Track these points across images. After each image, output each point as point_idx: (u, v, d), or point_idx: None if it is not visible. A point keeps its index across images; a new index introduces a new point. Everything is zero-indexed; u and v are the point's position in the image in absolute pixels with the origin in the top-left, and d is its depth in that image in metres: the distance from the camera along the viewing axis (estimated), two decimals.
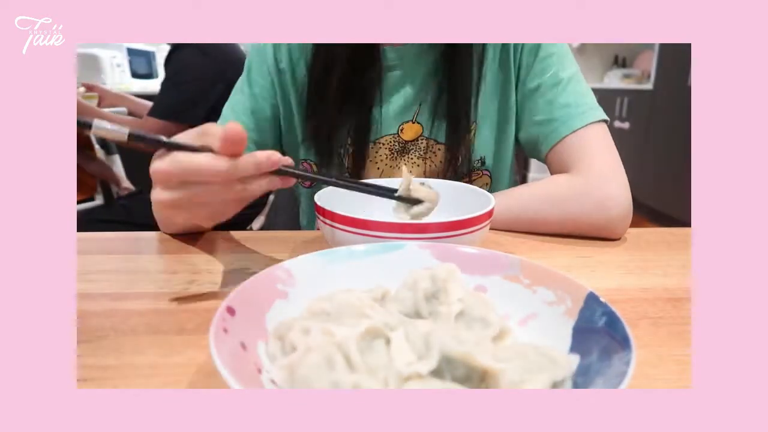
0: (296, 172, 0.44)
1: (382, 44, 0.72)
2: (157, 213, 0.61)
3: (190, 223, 0.61)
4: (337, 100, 0.72)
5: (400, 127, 0.77)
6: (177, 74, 1.55)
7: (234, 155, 0.40)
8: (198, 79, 1.51)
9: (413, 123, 0.77)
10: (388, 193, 0.52)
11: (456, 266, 0.38)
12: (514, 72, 0.74)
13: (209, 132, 0.41)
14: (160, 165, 0.41)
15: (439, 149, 0.77)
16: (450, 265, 0.38)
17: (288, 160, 0.44)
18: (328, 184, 0.50)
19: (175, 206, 0.42)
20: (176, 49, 1.57)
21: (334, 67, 0.71)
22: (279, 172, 0.43)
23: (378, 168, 0.78)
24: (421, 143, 0.77)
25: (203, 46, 1.52)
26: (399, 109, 0.76)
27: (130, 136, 0.40)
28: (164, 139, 0.41)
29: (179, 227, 0.64)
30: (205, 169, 0.39)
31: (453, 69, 0.72)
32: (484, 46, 0.73)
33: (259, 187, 0.42)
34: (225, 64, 1.53)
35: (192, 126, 0.45)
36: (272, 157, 0.41)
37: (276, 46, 0.76)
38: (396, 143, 0.77)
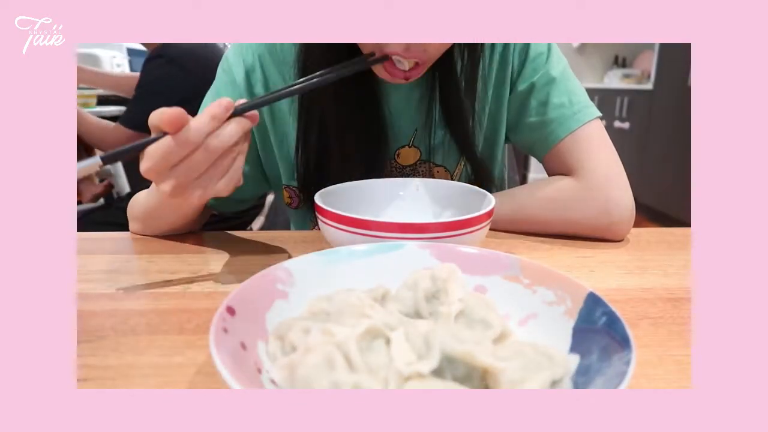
0: (253, 102, 0.46)
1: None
2: (167, 208, 0.62)
3: (204, 198, 0.53)
4: (332, 131, 0.68)
5: (396, 152, 0.73)
6: (149, 85, 1.51)
7: (182, 126, 0.42)
8: (169, 91, 1.46)
9: (410, 147, 0.73)
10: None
11: (456, 266, 0.38)
12: (509, 75, 0.72)
13: (155, 121, 0.43)
14: (144, 166, 0.44)
15: (438, 172, 0.74)
16: (450, 265, 0.38)
17: (242, 100, 0.46)
18: (289, 93, 0.50)
19: (183, 189, 0.44)
20: (151, 59, 1.52)
21: (329, 100, 0.66)
22: (237, 113, 0.45)
23: None
24: (420, 167, 0.74)
25: (180, 59, 1.47)
26: (394, 134, 0.72)
27: (103, 159, 0.43)
28: (128, 146, 0.44)
29: (184, 216, 0.64)
30: (174, 147, 0.42)
31: (447, 102, 0.69)
32: (476, 67, 0.69)
33: (231, 133, 0.44)
34: (202, 80, 1.50)
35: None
36: (222, 102, 0.44)
37: (250, 69, 0.69)
38: (393, 170, 0.74)
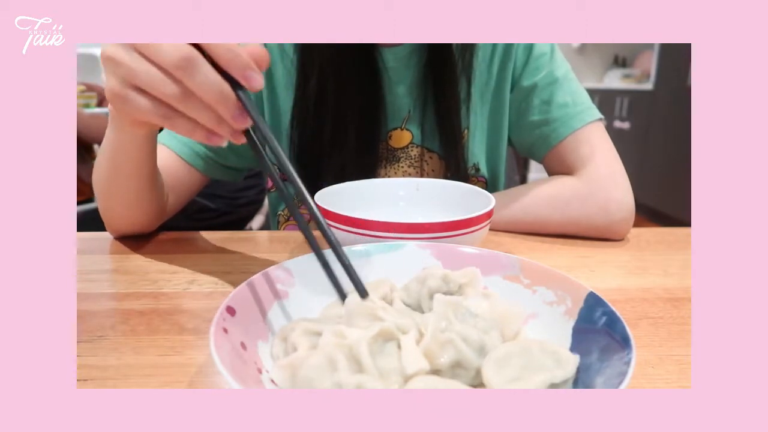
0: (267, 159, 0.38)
1: (378, 45, 0.69)
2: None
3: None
4: (328, 108, 0.67)
5: (388, 134, 0.73)
6: None
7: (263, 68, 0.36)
8: None
9: (402, 130, 0.73)
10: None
11: (479, 270, 0.38)
12: (511, 69, 0.72)
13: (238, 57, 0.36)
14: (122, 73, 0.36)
15: (431, 157, 0.74)
16: (473, 269, 0.38)
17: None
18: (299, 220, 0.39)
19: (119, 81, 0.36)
20: None
21: (327, 74, 0.66)
22: (248, 135, 0.37)
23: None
24: (412, 151, 0.74)
25: None
26: (388, 115, 0.72)
27: None
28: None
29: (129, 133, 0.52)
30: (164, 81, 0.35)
31: (440, 77, 0.69)
32: (473, 50, 0.70)
33: (205, 115, 0.36)
34: None
35: None
36: (254, 72, 0.35)
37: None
38: (384, 151, 0.73)
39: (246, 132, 0.38)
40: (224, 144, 0.38)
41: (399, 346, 0.30)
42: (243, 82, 0.35)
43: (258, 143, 0.39)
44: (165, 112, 0.36)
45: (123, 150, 0.54)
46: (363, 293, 0.34)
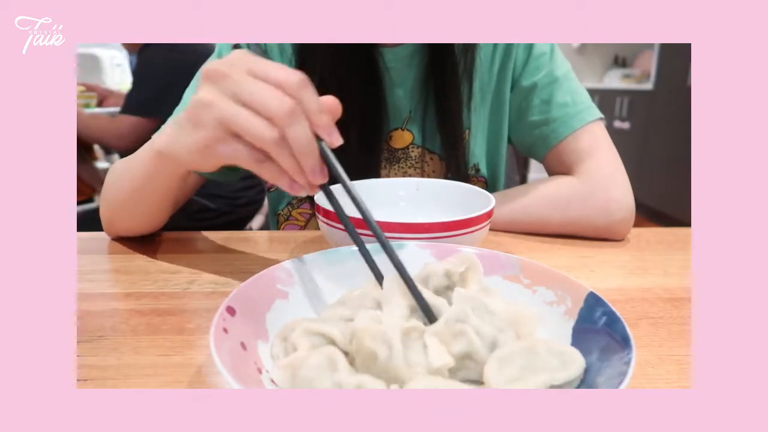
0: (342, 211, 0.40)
1: (379, 45, 0.68)
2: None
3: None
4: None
5: (389, 135, 0.73)
6: (145, 70, 1.56)
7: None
8: (166, 73, 1.49)
9: (403, 130, 0.73)
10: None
11: (474, 254, 0.38)
12: (511, 69, 0.72)
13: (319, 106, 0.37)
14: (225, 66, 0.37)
15: (431, 159, 0.74)
16: (468, 254, 0.38)
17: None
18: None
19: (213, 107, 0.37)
20: (148, 46, 1.57)
21: (328, 73, 0.65)
22: (325, 188, 0.39)
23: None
24: (413, 152, 0.73)
25: (180, 46, 1.51)
26: (388, 115, 0.71)
27: None
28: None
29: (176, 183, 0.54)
30: (268, 131, 0.35)
31: (441, 78, 0.69)
32: (475, 51, 0.70)
33: (291, 165, 0.36)
34: (195, 58, 1.53)
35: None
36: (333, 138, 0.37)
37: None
38: (385, 151, 0.73)
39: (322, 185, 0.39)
40: (303, 194, 0.39)
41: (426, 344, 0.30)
42: (326, 138, 0.37)
43: (332, 195, 0.41)
44: (260, 157, 0.37)
45: (159, 185, 0.54)
46: (407, 279, 0.35)
